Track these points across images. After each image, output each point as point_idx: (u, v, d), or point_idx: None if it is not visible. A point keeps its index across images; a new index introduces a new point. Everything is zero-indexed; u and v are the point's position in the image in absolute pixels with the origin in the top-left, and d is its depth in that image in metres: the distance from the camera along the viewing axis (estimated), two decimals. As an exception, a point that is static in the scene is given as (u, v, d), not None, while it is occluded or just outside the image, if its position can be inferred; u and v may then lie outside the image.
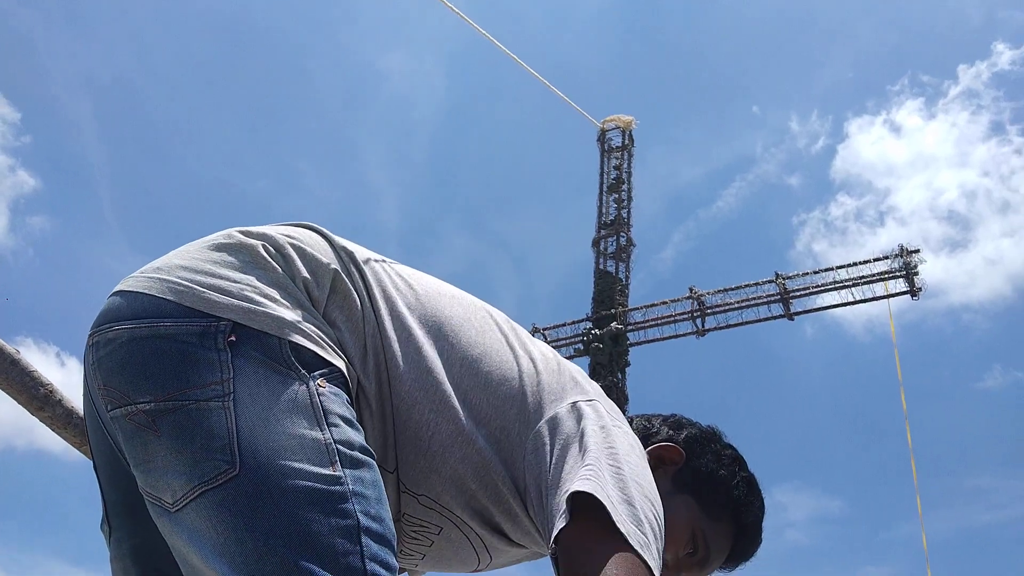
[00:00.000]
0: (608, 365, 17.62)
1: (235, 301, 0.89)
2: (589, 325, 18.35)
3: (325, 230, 1.07)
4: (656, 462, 1.14)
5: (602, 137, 20.58)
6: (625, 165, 20.05)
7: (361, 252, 1.05)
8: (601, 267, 19.15)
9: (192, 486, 0.80)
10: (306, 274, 0.97)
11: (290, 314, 0.91)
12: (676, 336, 18.06)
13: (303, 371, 0.88)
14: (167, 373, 0.85)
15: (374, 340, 0.98)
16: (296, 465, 0.81)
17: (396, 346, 0.98)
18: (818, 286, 17.01)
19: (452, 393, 0.98)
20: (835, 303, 17.19)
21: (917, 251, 16.62)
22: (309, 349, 0.90)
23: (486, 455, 0.99)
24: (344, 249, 1.03)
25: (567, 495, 0.86)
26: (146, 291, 0.90)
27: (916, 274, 16.39)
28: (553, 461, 0.93)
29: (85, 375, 0.95)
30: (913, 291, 16.44)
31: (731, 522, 1.16)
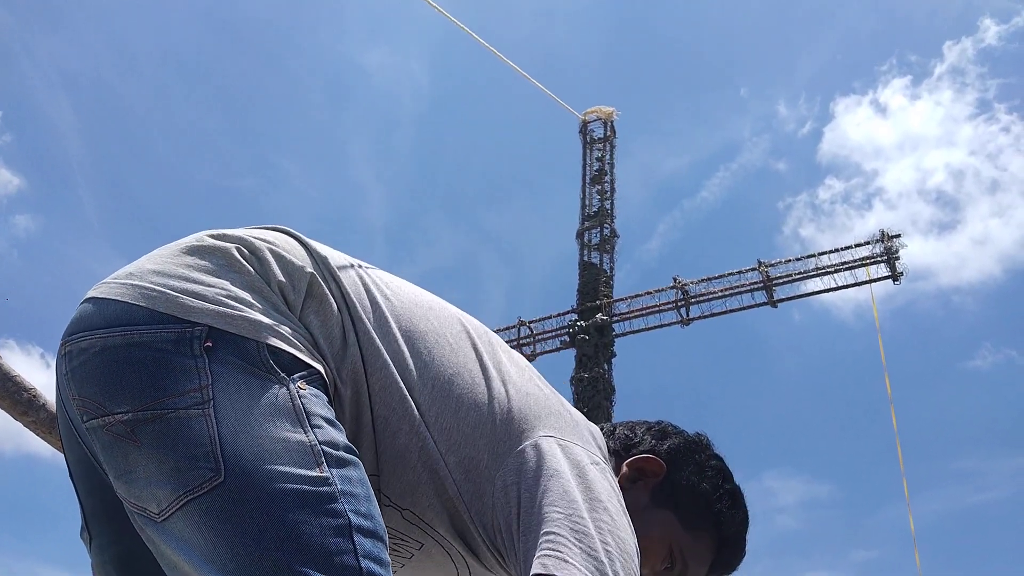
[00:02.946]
0: (594, 356, 17.67)
1: (209, 305, 0.88)
2: (575, 317, 18.38)
3: (300, 234, 1.05)
4: (636, 474, 1.12)
5: (584, 129, 20.58)
6: (607, 156, 20.07)
7: (337, 258, 1.04)
8: (585, 259, 19.17)
9: (177, 495, 0.80)
10: (281, 277, 0.96)
11: (266, 318, 0.91)
12: (661, 326, 18.12)
13: (282, 374, 0.87)
14: (144, 382, 0.84)
15: (352, 347, 0.97)
16: (282, 469, 0.81)
17: (373, 356, 0.97)
18: (800, 273, 17.13)
19: (425, 415, 0.97)
20: (818, 289, 17.32)
21: (899, 235, 16.75)
22: (287, 352, 0.89)
23: (453, 486, 0.97)
24: (318, 254, 1.02)
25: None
26: (118, 298, 0.89)
27: (897, 259, 16.53)
28: (521, 507, 0.92)
29: (58, 384, 0.94)
30: (895, 276, 16.57)
31: (712, 536, 1.13)
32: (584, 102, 21.08)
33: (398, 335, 1.00)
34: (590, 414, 17.15)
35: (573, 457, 0.96)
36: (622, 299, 18.44)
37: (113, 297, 0.89)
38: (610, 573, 0.86)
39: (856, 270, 16.87)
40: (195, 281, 0.90)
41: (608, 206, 19.57)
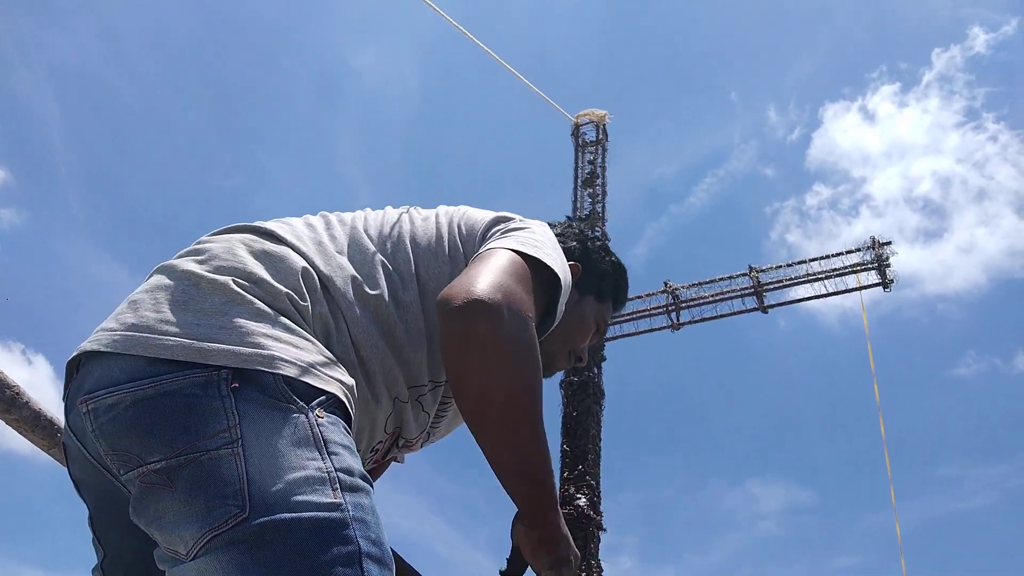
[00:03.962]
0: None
1: (226, 347, 0.92)
2: (565, 320, 18.40)
3: (264, 226, 1.11)
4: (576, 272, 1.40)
5: (576, 131, 20.61)
6: (599, 160, 20.09)
7: (299, 228, 1.14)
8: (576, 262, 19.20)
9: (203, 532, 0.83)
10: (285, 289, 1.00)
11: (279, 346, 0.95)
12: (651, 330, 18.16)
13: (301, 403, 0.92)
14: (176, 429, 0.88)
15: (355, 286, 1.08)
16: (301, 498, 0.85)
17: (373, 272, 1.12)
18: (791, 279, 17.18)
19: (421, 289, 1.15)
20: (808, 295, 17.38)
21: (889, 243, 16.83)
22: (302, 381, 0.94)
23: None
24: (289, 241, 1.09)
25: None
26: (136, 352, 0.92)
27: (888, 266, 16.61)
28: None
29: (75, 441, 0.98)
30: (885, 283, 16.65)
31: (613, 295, 1.47)
32: (575, 104, 21.13)
33: (384, 255, 1.17)
34: (579, 418, 17.13)
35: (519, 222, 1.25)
36: (612, 303, 18.47)
37: (130, 352, 0.92)
38: (532, 244, 1.13)
39: (846, 277, 16.94)
40: (206, 325, 0.94)
41: (600, 209, 19.58)
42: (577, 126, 20.56)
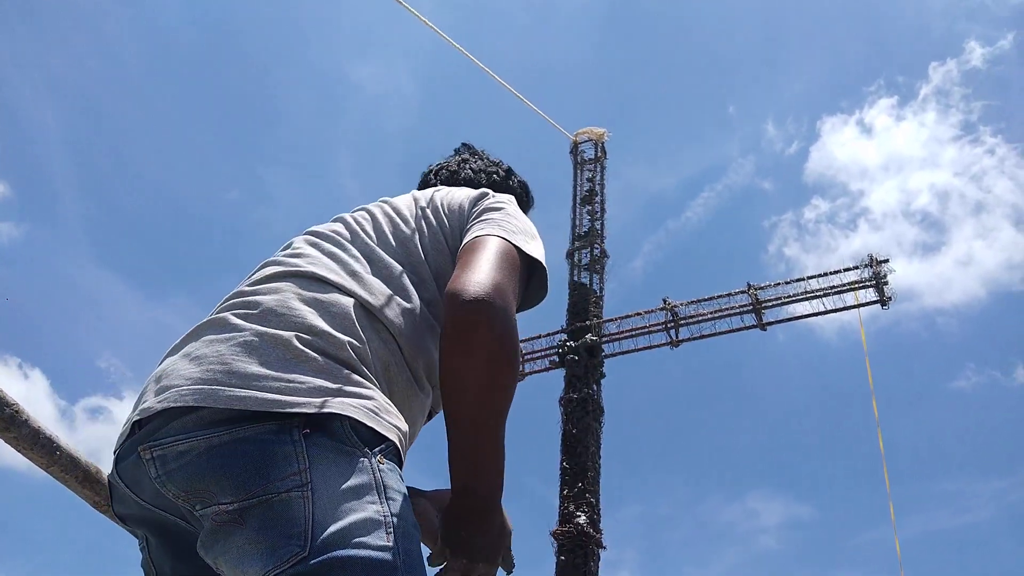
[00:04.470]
0: (584, 377, 17.64)
1: (297, 399, 0.98)
2: (564, 337, 18.37)
3: (305, 270, 1.18)
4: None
5: (575, 149, 20.70)
6: (598, 177, 20.16)
7: (327, 261, 1.22)
8: (575, 279, 19.20)
9: (266, 571, 0.89)
10: (346, 338, 1.08)
11: (344, 399, 1.01)
12: (651, 347, 18.14)
13: (365, 448, 1.00)
14: (249, 472, 0.94)
15: (396, 304, 1.19)
16: (358, 539, 0.91)
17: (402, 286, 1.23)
18: (789, 296, 17.20)
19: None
20: (806, 312, 17.39)
21: (886, 261, 16.86)
22: (367, 426, 1.01)
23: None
24: (328, 278, 1.16)
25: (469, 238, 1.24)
26: (208, 404, 0.97)
27: (886, 283, 16.63)
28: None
29: (124, 486, 1.05)
30: (883, 300, 16.66)
31: (527, 208, 1.73)
32: (573, 121, 21.28)
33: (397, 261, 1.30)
34: (579, 435, 17.08)
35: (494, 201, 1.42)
36: (612, 320, 18.46)
37: (201, 404, 0.97)
38: (513, 231, 1.26)
39: (844, 294, 16.96)
40: (275, 379, 1.00)
41: (598, 227, 19.63)
42: (576, 144, 20.65)
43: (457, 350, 1.06)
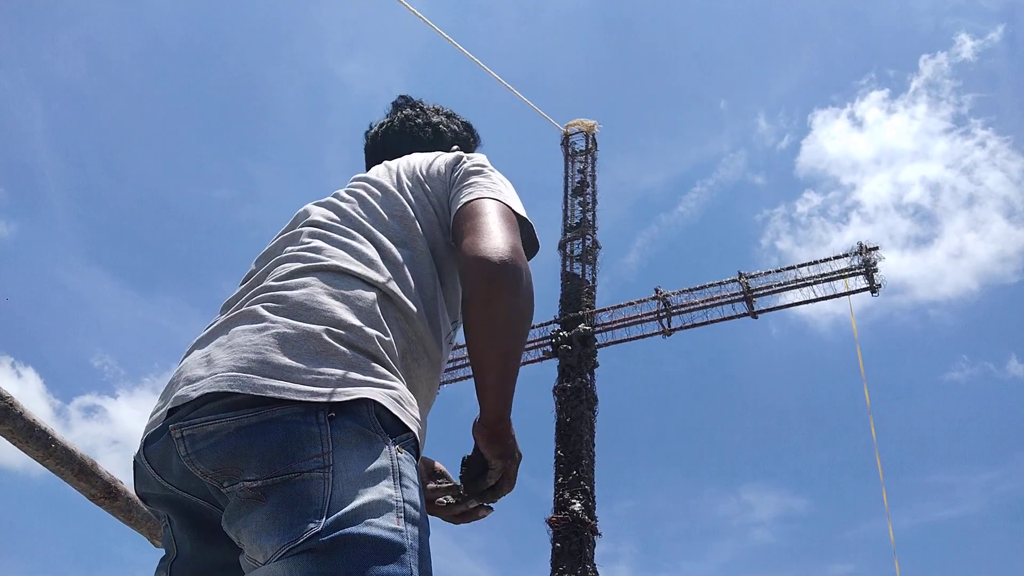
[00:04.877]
0: (577, 366, 17.72)
1: (324, 389, 1.04)
2: (557, 327, 18.43)
3: (328, 263, 1.23)
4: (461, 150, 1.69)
5: (565, 141, 20.70)
6: (589, 168, 20.18)
7: (341, 252, 1.27)
8: (568, 270, 19.25)
9: (281, 546, 0.94)
10: (374, 332, 1.15)
11: (371, 389, 1.07)
12: (643, 336, 18.21)
13: (387, 436, 1.06)
14: (275, 452, 0.99)
15: (410, 284, 1.27)
16: (369, 519, 0.96)
17: (408, 269, 1.30)
18: (780, 284, 17.27)
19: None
20: (797, 301, 17.48)
21: (876, 248, 16.94)
22: (391, 414, 1.08)
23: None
24: (351, 270, 1.22)
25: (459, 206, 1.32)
26: (242, 392, 1.03)
27: (876, 271, 16.72)
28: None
29: (149, 466, 1.12)
30: (873, 288, 16.75)
31: (474, 139, 1.84)
32: (564, 115, 21.24)
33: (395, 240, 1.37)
34: (573, 424, 17.17)
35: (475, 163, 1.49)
36: (604, 309, 18.52)
37: (236, 390, 1.03)
38: (502, 192, 1.34)
39: (835, 282, 17.04)
40: (307, 371, 1.06)
41: (590, 217, 19.67)
42: (567, 136, 20.65)
43: (489, 311, 1.17)
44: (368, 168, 1.77)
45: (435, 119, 1.76)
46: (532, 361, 18.61)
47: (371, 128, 1.81)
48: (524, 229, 1.35)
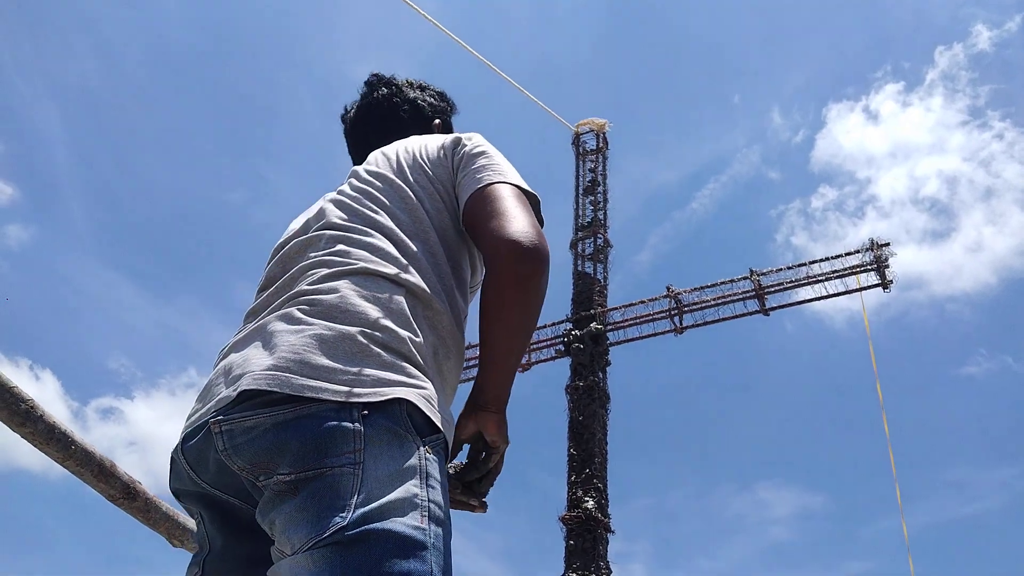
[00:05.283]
0: (589, 365, 17.72)
1: (359, 388, 1.07)
2: (569, 326, 18.44)
3: (358, 266, 1.25)
4: (444, 128, 1.76)
5: (576, 140, 20.69)
6: (600, 167, 20.17)
7: (367, 254, 1.26)
8: (579, 268, 19.25)
9: (308, 538, 0.97)
10: (406, 333, 1.17)
11: (404, 389, 1.10)
12: (655, 334, 18.20)
13: (417, 436, 1.08)
14: (308, 447, 1.02)
15: (433, 280, 1.28)
16: (394, 516, 0.99)
17: (426, 258, 1.32)
18: (792, 281, 17.22)
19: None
20: (809, 297, 17.41)
21: (887, 244, 16.87)
22: (423, 414, 1.10)
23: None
24: (379, 271, 1.24)
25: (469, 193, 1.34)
26: (281, 391, 1.06)
27: (887, 267, 16.64)
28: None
29: (184, 463, 1.15)
30: (884, 284, 16.68)
31: (451, 108, 1.83)
32: (575, 114, 21.25)
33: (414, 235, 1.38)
34: (586, 422, 17.16)
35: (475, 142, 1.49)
36: (616, 308, 18.50)
37: (275, 388, 1.06)
38: (508, 172, 1.36)
39: (847, 278, 16.97)
40: (343, 371, 1.08)
41: (601, 216, 19.66)
42: (577, 135, 20.64)
43: (522, 291, 1.21)
44: (351, 151, 1.78)
45: (411, 94, 1.75)
46: (544, 360, 18.64)
47: (347, 111, 1.79)
48: (531, 204, 1.38)
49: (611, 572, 15.92)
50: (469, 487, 1.33)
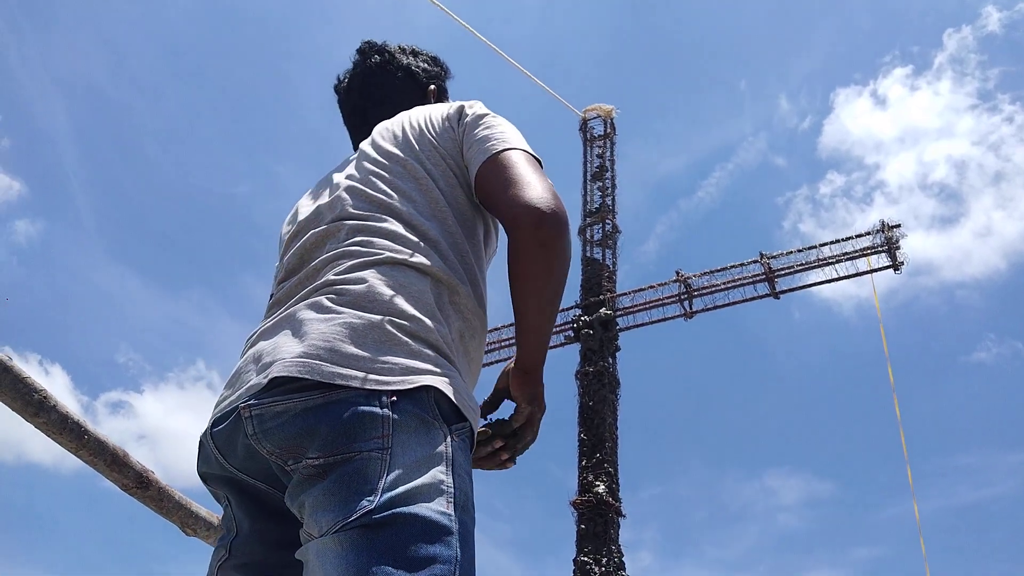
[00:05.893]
0: (599, 350, 17.74)
1: (388, 377, 1.09)
2: (579, 312, 18.45)
3: (383, 256, 1.25)
4: (440, 95, 1.75)
5: (584, 126, 20.62)
6: (607, 153, 20.11)
7: (388, 243, 1.27)
8: (588, 254, 19.24)
9: (336, 521, 0.98)
10: (432, 323, 1.19)
11: (433, 377, 1.11)
12: (664, 319, 18.18)
13: (444, 423, 1.10)
14: (337, 431, 1.04)
15: (454, 262, 1.29)
16: (420, 501, 1.00)
17: (451, 248, 1.32)
18: (801, 264, 17.15)
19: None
20: (819, 280, 17.35)
21: (898, 225, 16.77)
22: (450, 401, 1.12)
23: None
24: (404, 260, 1.25)
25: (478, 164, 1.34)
26: (311, 378, 1.07)
27: (898, 248, 16.55)
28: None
29: (213, 447, 1.17)
30: (895, 265, 16.59)
31: (445, 72, 1.81)
32: (582, 100, 21.18)
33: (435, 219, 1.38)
34: (596, 407, 17.20)
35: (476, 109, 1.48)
36: (625, 293, 18.50)
37: (305, 376, 1.08)
38: (515, 138, 1.36)
39: (857, 260, 16.89)
40: (371, 360, 1.10)
41: (609, 202, 19.62)
42: (585, 121, 20.56)
43: (547, 256, 1.22)
44: (346, 122, 1.76)
45: (405, 60, 1.73)
46: (553, 346, 18.64)
47: (340, 81, 1.76)
48: None
49: (622, 555, 16.00)
50: (507, 444, 1.35)
